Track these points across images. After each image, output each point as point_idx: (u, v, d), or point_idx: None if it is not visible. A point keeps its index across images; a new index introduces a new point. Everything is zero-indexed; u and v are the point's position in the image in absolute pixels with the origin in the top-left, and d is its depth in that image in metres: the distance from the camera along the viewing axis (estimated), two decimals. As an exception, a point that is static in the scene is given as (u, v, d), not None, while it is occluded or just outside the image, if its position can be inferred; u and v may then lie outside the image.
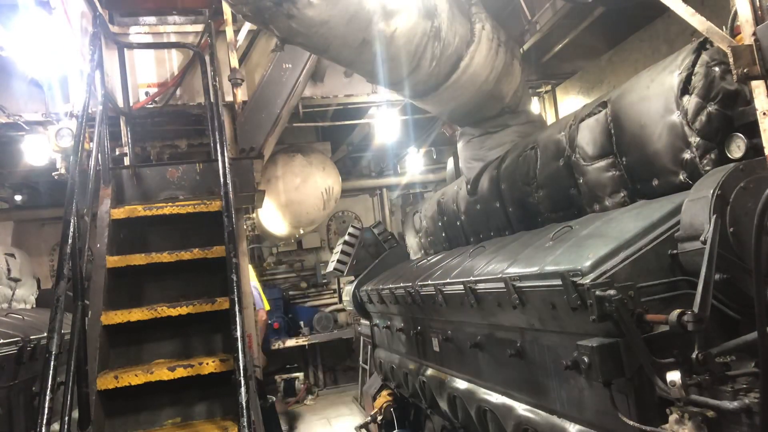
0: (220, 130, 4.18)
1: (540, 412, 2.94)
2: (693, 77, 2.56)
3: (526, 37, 5.03)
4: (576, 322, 2.43)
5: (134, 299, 3.92)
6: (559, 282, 2.39)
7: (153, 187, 4.63)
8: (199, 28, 5.36)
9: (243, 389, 2.87)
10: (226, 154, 3.97)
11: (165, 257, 3.91)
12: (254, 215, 9.42)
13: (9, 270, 6.68)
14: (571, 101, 6.48)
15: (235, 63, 5.14)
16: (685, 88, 2.60)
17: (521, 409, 3.12)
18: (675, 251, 2.28)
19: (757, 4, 2.16)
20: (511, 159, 4.14)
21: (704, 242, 2.09)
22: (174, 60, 5.40)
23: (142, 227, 4.27)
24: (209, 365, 3.40)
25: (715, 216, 2.12)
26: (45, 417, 2.57)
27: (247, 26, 5.38)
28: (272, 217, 8.53)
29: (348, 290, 6.97)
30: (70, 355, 2.86)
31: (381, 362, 6.24)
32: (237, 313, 3.12)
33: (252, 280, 7.15)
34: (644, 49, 5.04)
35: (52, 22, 4.71)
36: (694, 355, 1.96)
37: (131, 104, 5.17)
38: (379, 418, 6.39)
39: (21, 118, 5.37)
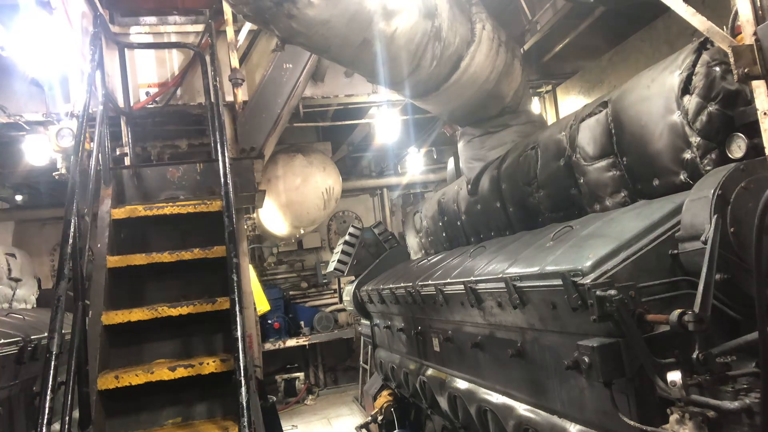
0: (220, 130, 4.18)
1: (540, 412, 2.94)
2: (694, 77, 2.56)
3: (527, 36, 5.04)
4: (576, 322, 2.43)
5: (135, 299, 3.91)
6: (559, 282, 2.39)
7: (153, 187, 4.63)
8: (200, 28, 5.36)
9: (243, 389, 2.87)
10: (226, 154, 3.97)
11: (165, 257, 3.90)
12: (255, 215, 9.43)
13: (10, 270, 6.69)
14: (571, 101, 6.48)
15: (235, 63, 5.14)
16: (685, 88, 2.59)
17: (522, 409, 3.12)
18: (676, 251, 2.28)
19: (758, 3, 2.16)
20: (511, 159, 4.14)
21: (705, 242, 2.09)
22: (174, 60, 5.39)
23: (143, 227, 4.27)
24: (210, 365, 3.40)
25: (715, 216, 2.12)
26: (45, 417, 2.57)
27: (248, 26, 5.38)
28: (273, 217, 8.53)
29: (348, 290, 6.97)
30: (71, 355, 2.86)
31: (381, 362, 6.24)
32: (237, 313, 3.12)
33: None
34: (645, 49, 5.03)
35: (53, 23, 4.70)
36: (694, 355, 1.96)
37: (132, 104, 5.17)
38: (380, 418, 6.39)
39: (21, 118, 5.38)
